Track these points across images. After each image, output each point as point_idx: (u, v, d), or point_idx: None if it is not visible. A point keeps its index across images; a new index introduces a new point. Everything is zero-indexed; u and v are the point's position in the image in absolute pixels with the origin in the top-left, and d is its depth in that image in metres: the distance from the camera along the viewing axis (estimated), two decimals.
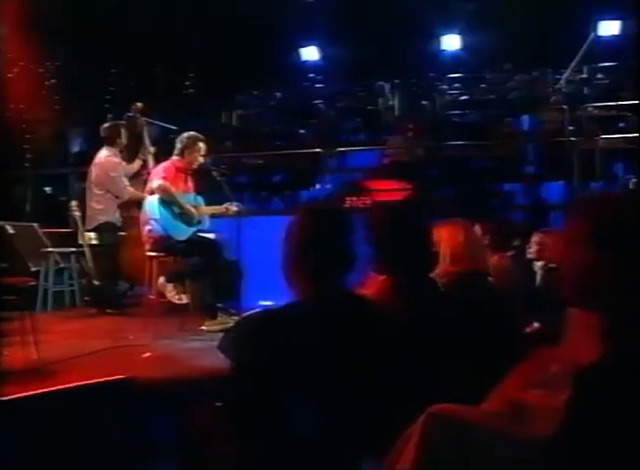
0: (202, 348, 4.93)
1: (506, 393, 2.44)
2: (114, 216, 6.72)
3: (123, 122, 6.93)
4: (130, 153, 7.02)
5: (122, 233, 6.73)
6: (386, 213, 2.66)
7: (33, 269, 6.88)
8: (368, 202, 8.96)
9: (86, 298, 7.04)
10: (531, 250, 4.52)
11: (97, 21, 11.06)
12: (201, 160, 5.67)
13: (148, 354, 4.61)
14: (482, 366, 2.70)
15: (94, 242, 6.96)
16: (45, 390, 3.52)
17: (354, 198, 8.93)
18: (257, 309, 4.59)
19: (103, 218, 6.67)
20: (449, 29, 13.29)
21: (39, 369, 4.12)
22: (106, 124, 6.98)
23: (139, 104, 6.90)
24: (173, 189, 5.38)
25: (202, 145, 5.67)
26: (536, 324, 4.27)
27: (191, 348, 4.95)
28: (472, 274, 3.01)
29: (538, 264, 4.51)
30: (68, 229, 8.49)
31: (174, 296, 5.29)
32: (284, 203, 9.83)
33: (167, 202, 5.34)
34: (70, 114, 10.56)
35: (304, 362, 1.92)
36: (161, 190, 5.31)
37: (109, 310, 6.48)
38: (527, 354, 2.80)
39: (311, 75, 13.65)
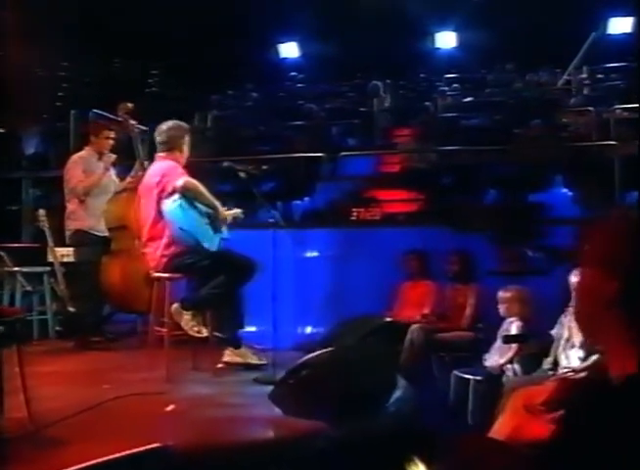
0: (233, 395, 4.10)
1: None
2: (90, 223, 5.76)
3: (107, 123, 6.03)
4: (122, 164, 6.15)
5: (110, 247, 5.76)
6: None
7: None
8: (377, 214, 8.27)
9: (58, 328, 6.05)
10: None
11: (54, 10, 10.13)
12: (187, 154, 4.92)
13: (171, 407, 3.70)
14: None
15: (68, 259, 6.02)
16: None
17: (361, 209, 8.20)
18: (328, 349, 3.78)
19: (73, 226, 5.76)
20: (444, 26, 12.75)
21: (35, 436, 3.17)
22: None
23: (129, 104, 5.96)
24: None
25: (188, 137, 4.93)
26: None
27: (221, 396, 4.07)
28: None
29: None
30: (23, 244, 7.60)
31: (193, 327, 4.36)
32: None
33: (192, 203, 4.45)
34: (25, 111, 9.54)
35: None
36: (189, 188, 4.44)
37: (92, 344, 5.50)
38: None
39: (292, 74, 12.89)
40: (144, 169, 5.97)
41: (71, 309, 5.97)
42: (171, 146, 4.81)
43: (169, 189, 4.42)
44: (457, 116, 10.14)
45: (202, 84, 12.08)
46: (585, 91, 10.00)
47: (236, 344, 4.74)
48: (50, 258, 6.18)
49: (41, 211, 6.25)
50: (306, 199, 8.97)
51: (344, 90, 12.07)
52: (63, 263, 6.13)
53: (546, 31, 11.29)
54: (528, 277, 5.82)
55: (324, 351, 3.54)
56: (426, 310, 5.87)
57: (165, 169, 4.61)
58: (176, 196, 4.39)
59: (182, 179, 4.45)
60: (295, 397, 3.52)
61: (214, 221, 4.55)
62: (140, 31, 11.61)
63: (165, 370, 4.37)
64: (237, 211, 4.94)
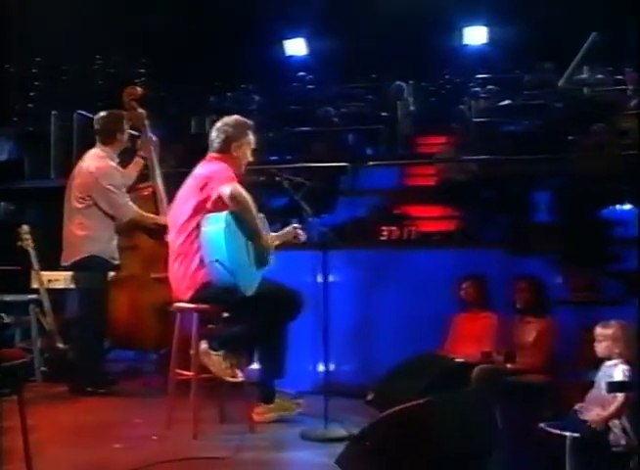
0: (282, 456, 3.79)
1: None
2: (107, 248, 5.21)
3: (123, 113, 5.48)
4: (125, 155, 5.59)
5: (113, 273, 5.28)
6: None
7: None
8: (411, 233, 7.86)
9: (44, 368, 5.54)
10: None
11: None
12: (250, 158, 4.32)
13: None
14: None
15: (60, 286, 5.58)
16: None
17: (393, 228, 7.80)
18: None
19: (87, 250, 5.15)
20: (473, 20, 12.48)
21: None
22: (101, 113, 5.50)
23: (138, 88, 5.46)
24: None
25: (252, 136, 4.32)
26: None
27: (268, 459, 3.62)
28: None
29: None
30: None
31: (226, 369, 3.85)
32: None
33: (238, 229, 3.91)
34: None
35: None
36: (237, 200, 3.84)
37: (89, 389, 5.01)
38: None
39: (301, 74, 12.55)
40: None
41: (61, 346, 5.51)
42: (227, 146, 4.23)
43: (214, 196, 3.89)
44: (495, 120, 9.78)
45: (197, 85, 11.74)
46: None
47: (268, 398, 4.32)
48: (35, 284, 5.70)
49: (24, 228, 5.75)
50: (324, 215, 8.57)
51: (361, 92, 11.71)
52: (49, 290, 5.67)
53: (587, 25, 11.00)
54: (606, 308, 5.46)
55: (409, 404, 3.08)
56: (488, 348, 5.41)
57: (214, 172, 4.04)
58: (222, 215, 3.83)
59: (230, 186, 3.85)
60: (372, 461, 3.06)
61: (259, 257, 4.01)
62: (127, 25, 11.35)
63: (191, 424, 3.90)
64: (288, 230, 4.53)
